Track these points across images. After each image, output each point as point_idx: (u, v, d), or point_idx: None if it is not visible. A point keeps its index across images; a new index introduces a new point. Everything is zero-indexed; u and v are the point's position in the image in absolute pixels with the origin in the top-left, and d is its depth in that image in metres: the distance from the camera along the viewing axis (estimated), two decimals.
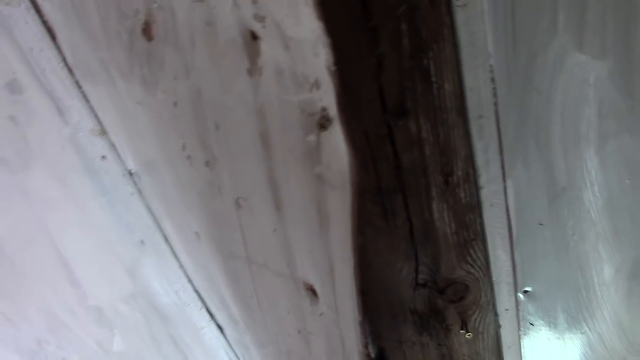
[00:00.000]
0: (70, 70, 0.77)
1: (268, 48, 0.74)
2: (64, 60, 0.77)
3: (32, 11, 0.72)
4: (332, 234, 0.92)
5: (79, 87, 0.78)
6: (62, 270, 1.02)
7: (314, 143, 0.81)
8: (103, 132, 0.82)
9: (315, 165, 0.83)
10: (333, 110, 0.79)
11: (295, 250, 0.94)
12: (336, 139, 0.82)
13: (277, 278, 0.98)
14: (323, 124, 0.79)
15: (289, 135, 0.81)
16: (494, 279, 0.97)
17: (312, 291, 0.99)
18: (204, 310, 1.04)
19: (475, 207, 0.89)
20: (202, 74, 0.76)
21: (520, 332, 1.04)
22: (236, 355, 1.12)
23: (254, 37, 0.73)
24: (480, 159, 0.84)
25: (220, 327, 1.07)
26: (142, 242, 0.94)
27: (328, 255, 0.94)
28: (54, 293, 1.04)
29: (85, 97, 0.79)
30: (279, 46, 0.74)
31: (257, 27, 0.72)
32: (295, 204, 0.88)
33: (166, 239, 0.94)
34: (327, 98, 0.78)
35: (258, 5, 0.71)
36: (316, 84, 0.76)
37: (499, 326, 1.03)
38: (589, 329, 1.01)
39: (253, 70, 0.75)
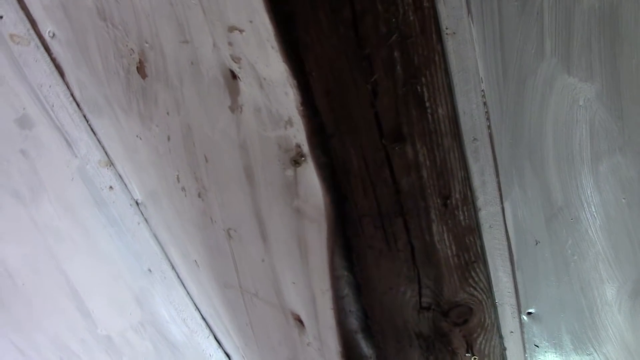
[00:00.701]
0: (78, 105, 0.81)
1: (246, 87, 0.78)
2: (72, 95, 0.80)
3: (42, 49, 0.76)
4: (311, 266, 0.94)
5: (87, 120, 0.82)
6: (72, 301, 1.04)
7: (291, 177, 0.84)
8: (110, 163, 0.85)
9: (294, 199, 0.86)
10: (306, 147, 0.82)
11: (281, 281, 0.96)
12: (310, 175, 0.84)
13: (268, 308, 0.99)
14: (297, 160, 0.82)
15: (270, 169, 0.84)
16: (497, 301, 0.98)
17: (300, 321, 1.00)
18: (211, 338, 1.06)
19: (474, 229, 0.91)
20: (190, 110, 0.79)
21: (526, 355, 1.04)
22: None
23: (234, 76, 0.77)
24: (476, 181, 0.86)
25: (227, 355, 1.09)
26: (149, 270, 0.97)
27: (309, 286, 0.96)
28: (64, 323, 1.06)
29: (92, 130, 0.82)
30: (255, 85, 0.77)
31: (235, 67, 0.76)
32: (279, 235, 0.90)
33: (173, 267, 0.96)
34: (299, 135, 0.81)
35: (234, 47, 0.74)
36: (289, 122, 0.79)
37: (504, 349, 1.04)
38: (595, 350, 1.01)
39: (234, 107, 0.79)
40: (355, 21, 0.75)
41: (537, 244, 0.89)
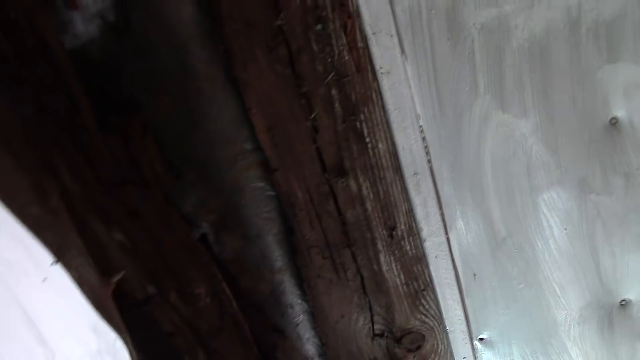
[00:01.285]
0: None
1: None
2: None
3: None
4: None
5: None
6: (29, 330, 1.05)
7: None
8: None
9: None
10: None
11: None
12: None
13: None
14: None
15: None
16: (448, 327, 0.99)
17: None
18: None
19: (421, 258, 0.92)
20: None
21: None
22: None
23: None
24: (420, 213, 0.87)
25: None
26: None
27: None
28: (22, 353, 1.07)
29: None
30: None
31: None
32: None
33: None
34: None
35: None
36: None
37: None
38: None
39: None
40: (292, 60, 0.77)
41: (475, 276, 0.90)
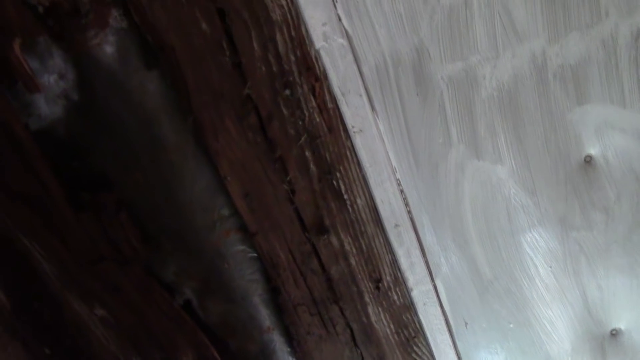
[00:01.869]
0: None
1: None
2: None
3: None
4: None
5: None
6: None
7: None
8: None
9: None
10: None
11: None
12: None
13: None
14: None
15: None
16: None
17: None
18: None
19: (410, 307, 0.92)
20: None
21: None
22: None
23: None
24: (405, 263, 0.86)
25: None
26: None
27: None
28: None
29: None
30: None
31: None
32: None
33: None
34: None
35: None
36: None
37: None
38: None
39: None
40: (263, 126, 0.76)
41: (464, 320, 0.90)
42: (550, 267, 0.87)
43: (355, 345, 0.94)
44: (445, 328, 0.93)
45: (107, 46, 0.74)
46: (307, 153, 0.77)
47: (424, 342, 0.95)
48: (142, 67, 0.75)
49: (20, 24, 0.70)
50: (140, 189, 0.82)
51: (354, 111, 0.74)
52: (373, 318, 0.92)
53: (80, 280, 0.86)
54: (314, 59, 0.70)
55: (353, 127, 0.75)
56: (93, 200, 0.82)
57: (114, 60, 0.75)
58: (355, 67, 0.71)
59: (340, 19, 0.68)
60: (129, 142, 0.79)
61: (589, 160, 0.79)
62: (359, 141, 0.75)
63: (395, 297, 0.90)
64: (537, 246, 0.85)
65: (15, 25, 0.69)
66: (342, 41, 0.69)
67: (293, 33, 0.69)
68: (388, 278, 0.88)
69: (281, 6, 0.68)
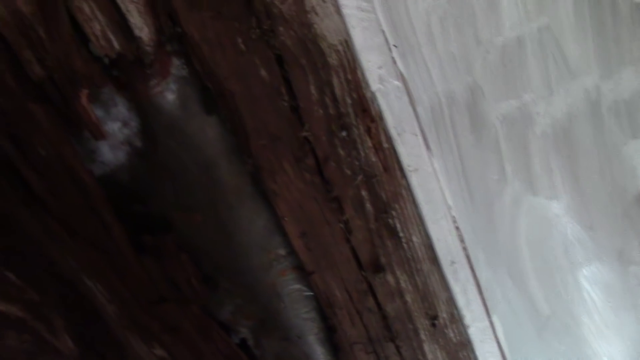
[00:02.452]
0: None
1: None
2: None
3: None
4: None
5: None
6: None
7: None
8: None
9: None
10: None
11: None
12: None
13: None
14: None
15: None
16: None
17: None
18: None
19: (466, 344, 0.91)
20: None
21: None
22: None
23: None
24: (461, 300, 0.86)
25: None
26: None
27: None
28: None
29: None
30: None
31: None
32: None
33: None
34: None
35: None
36: None
37: None
38: None
39: None
40: (320, 167, 0.78)
41: (523, 357, 0.89)
42: (609, 302, 0.85)
43: None
44: None
45: (169, 93, 0.77)
46: (363, 192, 0.78)
47: None
48: (202, 113, 0.77)
49: (88, 75, 0.73)
50: (199, 230, 0.84)
51: (410, 150, 0.75)
52: (429, 356, 0.91)
53: (141, 321, 0.88)
54: (369, 101, 0.72)
55: (409, 166, 0.76)
56: (154, 242, 0.84)
57: (175, 107, 0.78)
58: (410, 108, 0.73)
59: (395, 62, 0.70)
60: (188, 185, 0.81)
61: None
62: (414, 180, 0.77)
63: (452, 335, 0.89)
64: (595, 281, 0.84)
65: (83, 76, 0.73)
66: (398, 83, 0.71)
67: (349, 76, 0.71)
68: (444, 315, 0.88)
69: (338, 51, 0.70)
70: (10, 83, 0.70)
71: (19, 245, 0.76)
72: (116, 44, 0.70)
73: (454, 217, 0.80)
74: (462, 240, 0.82)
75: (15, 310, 0.74)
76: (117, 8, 0.68)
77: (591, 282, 0.82)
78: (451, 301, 0.87)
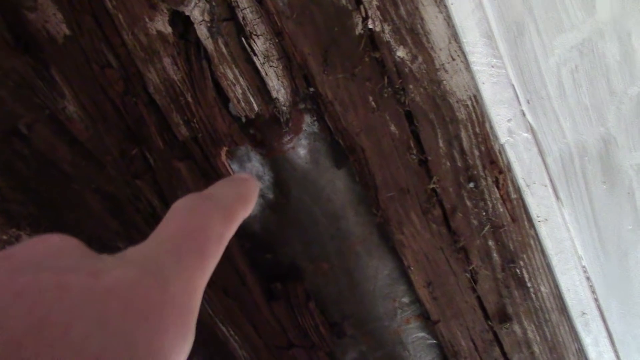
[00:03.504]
0: None
1: None
2: None
3: None
4: None
5: None
6: None
7: None
8: None
9: None
10: None
11: None
12: None
13: None
14: None
15: None
16: None
17: None
18: None
19: None
20: None
21: None
22: None
23: None
24: (592, 353, 0.84)
25: None
26: None
27: None
28: None
29: None
30: None
31: None
32: None
33: None
34: None
35: None
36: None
37: None
38: None
39: None
40: (446, 218, 0.79)
41: None
42: None
43: None
44: None
45: (300, 149, 0.81)
46: (490, 242, 0.78)
47: None
48: (332, 166, 0.81)
49: (228, 135, 0.79)
50: (327, 279, 0.88)
51: (539, 201, 0.75)
52: None
53: None
54: (498, 153, 0.73)
55: (538, 216, 0.76)
56: (284, 290, 0.88)
57: (306, 161, 0.82)
58: (539, 159, 0.73)
59: (525, 115, 0.71)
60: (318, 235, 0.85)
61: None
62: (543, 230, 0.76)
63: None
64: None
65: (224, 136, 0.78)
66: (527, 135, 0.72)
67: (477, 130, 0.73)
68: None
69: (466, 106, 0.72)
70: (158, 143, 0.76)
71: None
72: (255, 105, 0.75)
73: (584, 267, 0.79)
74: (593, 292, 0.80)
75: None
76: (257, 72, 0.73)
77: None
78: (581, 353, 0.85)
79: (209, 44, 0.72)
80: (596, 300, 0.81)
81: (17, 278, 0.27)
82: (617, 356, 0.85)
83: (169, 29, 0.72)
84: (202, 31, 0.72)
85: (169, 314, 0.29)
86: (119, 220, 0.82)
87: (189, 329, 0.32)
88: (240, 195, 0.46)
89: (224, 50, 0.73)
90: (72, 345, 0.25)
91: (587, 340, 0.83)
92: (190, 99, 0.76)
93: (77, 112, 0.76)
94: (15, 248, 0.31)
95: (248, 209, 0.46)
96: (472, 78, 0.71)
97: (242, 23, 0.71)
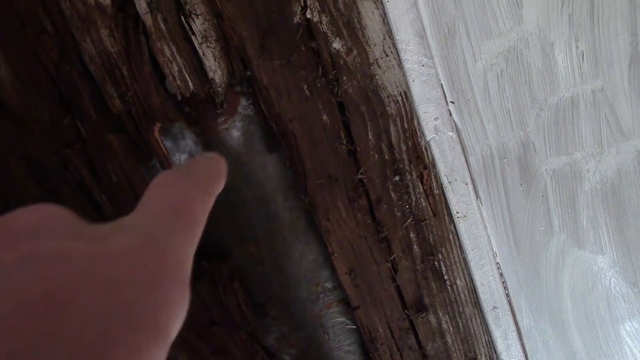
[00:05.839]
0: None
1: None
2: None
3: None
4: None
5: None
6: None
7: None
8: None
9: None
10: None
11: None
12: None
13: None
14: None
15: None
16: None
17: None
18: None
19: None
20: None
21: None
22: None
23: None
24: (501, 345, 0.89)
25: None
26: None
27: None
28: None
29: None
30: None
31: None
32: None
33: None
34: None
35: None
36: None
37: None
38: None
39: None
40: (372, 208, 0.82)
41: None
42: None
43: None
44: None
45: (235, 131, 0.82)
46: (412, 235, 0.81)
47: None
48: (264, 151, 0.82)
49: (163, 111, 0.79)
50: (253, 260, 0.89)
51: (459, 198, 0.78)
52: None
53: (192, 343, 0.93)
54: (423, 149, 0.76)
55: (457, 212, 0.79)
56: (210, 269, 0.89)
57: (239, 144, 0.83)
58: (462, 158, 0.76)
59: (451, 114, 0.74)
60: (246, 217, 0.86)
61: None
62: (462, 226, 0.80)
63: None
64: (637, 336, 0.85)
65: (159, 112, 0.78)
66: (452, 134, 0.75)
67: (406, 125, 0.75)
68: (483, 358, 0.90)
69: (397, 101, 0.74)
70: (91, 114, 0.76)
71: None
72: (191, 84, 0.75)
73: (498, 263, 0.82)
74: (505, 287, 0.84)
75: None
76: (195, 51, 0.74)
77: (633, 337, 0.84)
78: (491, 345, 0.89)
79: (147, 19, 0.72)
80: (507, 295, 0.85)
81: (19, 245, 0.27)
82: (524, 349, 0.89)
83: (108, 1, 0.72)
84: (141, 5, 0.72)
85: (169, 282, 0.30)
86: (43, 188, 0.81)
87: (186, 296, 0.32)
88: (214, 171, 0.47)
89: (162, 26, 0.73)
90: (80, 314, 0.25)
91: (496, 333, 0.88)
92: (125, 72, 0.76)
93: (8, 75, 0.75)
94: (7, 217, 0.31)
95: (222, 184, 0.48)
96: (404, 75, 0.73)
97: (182, 1, 0.71)
